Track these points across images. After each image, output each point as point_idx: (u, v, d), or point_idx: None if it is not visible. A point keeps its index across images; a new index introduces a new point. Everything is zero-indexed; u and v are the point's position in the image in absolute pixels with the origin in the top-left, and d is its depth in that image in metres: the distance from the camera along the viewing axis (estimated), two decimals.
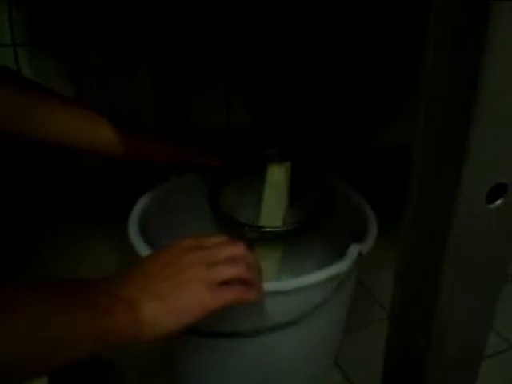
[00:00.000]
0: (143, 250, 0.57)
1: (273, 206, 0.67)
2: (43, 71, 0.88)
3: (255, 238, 0.65)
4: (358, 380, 0.68)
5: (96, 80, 0.93)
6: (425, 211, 0.31)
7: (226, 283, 0.46)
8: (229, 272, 0.46)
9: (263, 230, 0.65)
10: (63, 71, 0.90)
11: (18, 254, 0.83)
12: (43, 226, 0.87)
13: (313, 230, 0.68)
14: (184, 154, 0.66)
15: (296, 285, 0.54)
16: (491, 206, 0.30)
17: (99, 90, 0.92)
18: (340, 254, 0.58)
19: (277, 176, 0.67)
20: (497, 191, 0.30)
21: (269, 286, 0.55)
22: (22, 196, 0.86)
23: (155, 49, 0.90)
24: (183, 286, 0.44)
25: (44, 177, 0.88)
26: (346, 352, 0.70)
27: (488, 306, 0.32)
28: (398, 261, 0.35)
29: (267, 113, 0.70)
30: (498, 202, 0.30)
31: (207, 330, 0.59)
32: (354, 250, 0.58)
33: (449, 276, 0.30)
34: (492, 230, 0.30)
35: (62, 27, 0.87)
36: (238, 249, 0.49)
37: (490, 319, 0.33)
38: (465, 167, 0.28)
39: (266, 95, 0.69)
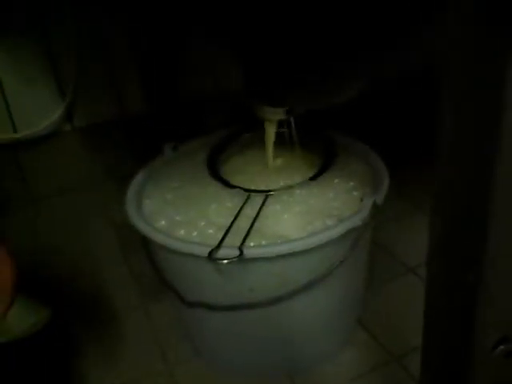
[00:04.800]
0: (142, 226, 0.56)
1: (276, 163, 0.64)
2: None
3: (262, 202, 0.61)
4: (384, 337, 0.65)
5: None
6: (472, 144, 0.27)
7: None
8: None
9: (268, 194, 0.61)
10: None
11: None
12: None
13: (320, 185, 0.64)
14: None
15: (315, 242, 0.50)
16: None
17: None
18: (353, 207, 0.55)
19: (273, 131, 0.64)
20: None
21: (285, 246, 0.51)
22: None
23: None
24: None
25: None
26: (369, 310, 0.68)
27: None
28: (435, 196, 0.31)
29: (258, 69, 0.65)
30: None
31: (220, 304, 0.56)
32: (368, 201, 0.55)
33: (499, 205, 0.27)
34: None
35: None
36: None
37: None
38: None
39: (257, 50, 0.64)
